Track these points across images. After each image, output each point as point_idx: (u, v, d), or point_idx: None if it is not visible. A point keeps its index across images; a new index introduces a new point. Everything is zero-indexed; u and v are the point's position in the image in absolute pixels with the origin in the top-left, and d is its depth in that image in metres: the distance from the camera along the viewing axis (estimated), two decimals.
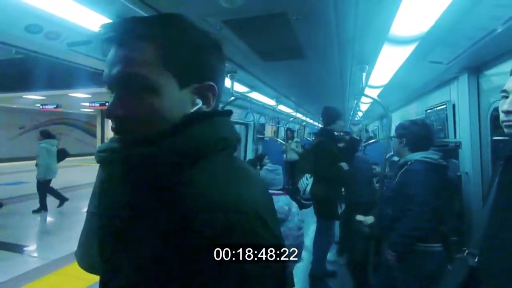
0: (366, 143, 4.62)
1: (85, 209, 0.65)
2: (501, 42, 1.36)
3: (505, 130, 0.92)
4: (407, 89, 2.82)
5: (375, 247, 2.10)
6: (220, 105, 2.25)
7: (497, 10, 1.08)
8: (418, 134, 1.80)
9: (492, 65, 1.68)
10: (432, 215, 1.59)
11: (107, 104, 0.52)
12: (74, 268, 1.26)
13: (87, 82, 7.62)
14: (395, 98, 3.51)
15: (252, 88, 3.00)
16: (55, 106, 12.77)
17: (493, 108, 1.70)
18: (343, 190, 3.10)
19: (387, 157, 2.31)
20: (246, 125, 4.51)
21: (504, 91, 0.90)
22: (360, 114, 5.15)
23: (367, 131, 6.77)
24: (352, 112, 4.94)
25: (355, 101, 3.70)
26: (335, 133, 2.98)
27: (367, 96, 2.53)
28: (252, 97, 3.30)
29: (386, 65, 1.94)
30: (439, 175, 1.70)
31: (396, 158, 2.18)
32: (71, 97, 10.63)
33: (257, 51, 1.89)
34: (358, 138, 3.43)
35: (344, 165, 2.82)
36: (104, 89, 0.67)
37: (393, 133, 1.97)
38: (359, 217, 2.39)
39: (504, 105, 0.90)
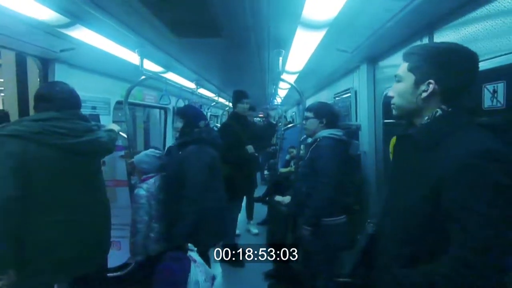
0: (285, 127, 4.88)
1: None
2: (392, 35, 1.54)
3: (393, 112, 1.04)
4: (320, 76, 3.03)
5: (292, 225, 2.23)
6: (128, 85, 1.91)
7: (390, 3, 1.19)
8: (335, 114, 1.97)
9: (385, 57, 1.91)
10: (337, 185, 1.75)
11: None
12: None
13: None
14: (309, 85, 3.76)
15: (167, 68, 2.73)
16: None
17: (384, 95, 1.95)
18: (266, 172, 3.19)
19: (301, 139, 2.45)
20: (165, 110, 4.17)
21: (397, 75, 0.99)
22: (279, 100, 5.37)
23: (285, 117, 7.17)
24: (272, 98, 5.11)
25: (274, 86, 3.81)
26: (246, 116, 3.05)
27: (284, 81, 2.60)
28: (168, 78, 3.03)
29: (301, 51, 2.00)
30: (342, 150, 1.88)
31: (310, 140, 2.32)
32: None
33: (168, 25, 1.68)
34: (275, 122, 3.57)
35: (249, 148, 2.89)
36: None
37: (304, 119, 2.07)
38: (278, 198, 2.51)
39: (390, 91, 1.01)
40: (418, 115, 0.96)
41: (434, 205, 0.85)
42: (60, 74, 1.94)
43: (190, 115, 1.99)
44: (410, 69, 0.94)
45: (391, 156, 1.51)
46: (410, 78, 0.94)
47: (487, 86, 1.08)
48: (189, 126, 1.95)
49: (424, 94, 0.91)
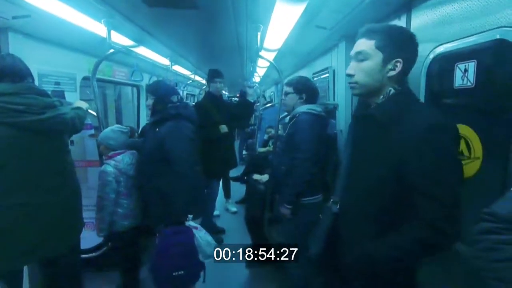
0: (264, 107, 4.85)
1: None
2: (370, 12, 1.52)
3: (354, 91, 1.05)
4: (298, 55, 2.99)
5: (269, 203, 2.26)
6: (96, 60, 1.77)
7: None
8: (314, 90, 1.94)
9: None
10: (315, 160, 1.75)
11: None
12: None
13: None
14: (288, 64, 3.71)
15: (139, 42, 2.55)
16: None
17: None
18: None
19: (279, 118, 2.44)
20: (137, 87, 3.97)
21: (362, 53, 0.98)
22: (257, 79, 5.29)
23: (264, 97, 7.12)
24: (250, 76, 5.02)
25: (252, 64, 3.73)
26: (220, 96, 3.02)
27: (262, 58, 2.54)
28: (139, 53, 2.85)
29: (280, 27, 1.95)
30: (321, 125, 1.88)
31: (287, 119, 2.32)
32: None
33: None
34: (253, 101, 3.53)
35: (222, 127, 2.86)
36: None
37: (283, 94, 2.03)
38: (256, 176, 2.52)
39: (347, 70, 1.01)
40: (377, 94, 0.99)
41: (397, 179, 0.89)
42: (15, 45, 1.74)
43: (161, 91, 1.94)
44: (378, 47, 0.94)
45: None
46: (378, 56, 0.95)
47: (459, 65, 1.11)
48: (161, 103, 1.90)
49: (392, 73, 0.95)
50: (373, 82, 0.98)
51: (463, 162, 1.05)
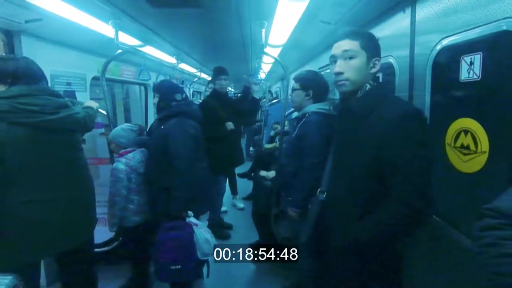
0: (270, 103, 4.85)
1: None
2: (375, 5, 1.52)
3: (338, 90, 1.13)
4: (303, 50, 2.99)
5: (275, 199, 2.28)
6: (104, 60, 1.82)
7: None
8: (322, 85, 1.82)
9: (368, 28, 1.88)
10: (324, 163, 1.66)
11: None
12: None
13: None
14: (293, 59, 3.70)
15: (146, 41, 2.59)
16: None
17: None
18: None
19: (285, 114, 2.45)
20: (145, 86, 4.02)
21: (332, 56, 1.09)
22: (263, 75, 5.29)
23: (270, 92, 7.12)
24: (255, 72, 5.02)
25: (257, 60, 3.73)
26: (226, 93, 3.04)
27: (267, 54, 2.54)
28: (146, 52, 2.89)
29: (284, 23, 1.95)
30: (330, 125, 1.77)
31: (295, 115, 2.30)
32: None
33: None
34: (258, 98, 3.53)
35: (229, 124, 2.88)
36: None
37: (290, 90, 2.00)
38: (263, 173, 2.55)
39: (335, 68, 1.08)
40: (359, 90, 1.09)
41: (377, 163, 1.00)
42: (28, 48, 1.80)
43: (164, 89, 1.99)
44: (363, 47, 1.06)
45: None
46: (363, 55, 1.06)
47: (464, 58, 1.10)
48: (165, 100, 1.95)
49: (373, 70, 1.08)
50: (361, 78, 1.07)
51: (469, 156, 1.05)
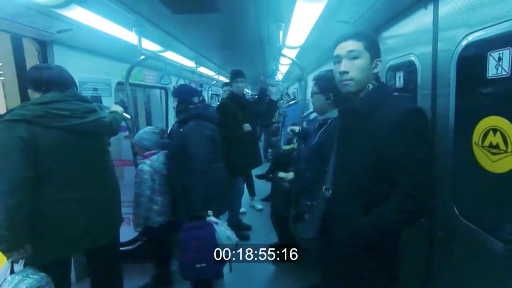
0: (287, 104, 4.84)
1: None
2: (395, 3, 1.49)
3: (342, 89, 1.14)
4: (321, 50, 2.96)
5: (294, 201, 2.27)
6: (128, 66, 1.91)
7: None
8: None
9: (388, 27, 1.85)
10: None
11: None
12: None
13: None
14: (311, 60, 3.68)
15: (166, 46, 2.68)
16: None
17: (389, 66, 1.91)
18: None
19: (304, 115, 2.44)
20: (166, 90, 4.15)
21: (337, 56, 1.11)
22: (280, 76, 5.29)
23: (288, 94, 7.10)
24: (272, 74, 5.03)
25: (275, 62, 3.74)
26: (243, 95, 3.08)
27: (285, 56, 2.55)
28: (167, 57, 2.98)
29: (301, 24, 1.95)
30: None
31: (313, 116, 2.29)
32: None
33: (164, 1, 1.64)
34: (276, 100, 3.55)
35: (246, 126, 2.92)
36: None
37: (309, 91, 1.99)
38: (281, 174, 2.54)
39: (340, 67, 1.11)
40: (363, 90, 1.12)
41: (380, 160, 1.02)
42: (59, 56, 1.92)
43: (182, 93, 2.07)
44: (366, 48, 1.09)
45: None
46: (367, 56, 1.09)
47: (492, 54, 1.05)
48: (183, 103, 2.02)
49: (376, 70, 1.12)
50: (366, 78, 1.10)
51: (499, 156, 1.01)
